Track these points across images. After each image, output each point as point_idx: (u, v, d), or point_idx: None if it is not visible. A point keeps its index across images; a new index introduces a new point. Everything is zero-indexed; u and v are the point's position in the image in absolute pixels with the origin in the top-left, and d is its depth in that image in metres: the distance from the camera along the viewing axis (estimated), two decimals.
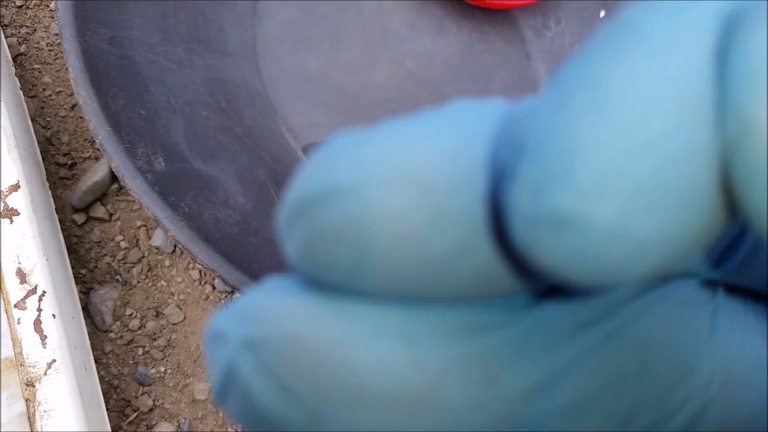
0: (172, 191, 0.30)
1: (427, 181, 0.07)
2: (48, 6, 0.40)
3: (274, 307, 0.08)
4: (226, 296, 0.34)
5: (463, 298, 0.08)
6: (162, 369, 0.33)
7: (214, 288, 0.34)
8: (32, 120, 0.38)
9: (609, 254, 0.06)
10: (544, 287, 0.08)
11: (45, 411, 0.28)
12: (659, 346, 0.08)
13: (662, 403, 0.08)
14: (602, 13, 0.41)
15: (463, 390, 0.07)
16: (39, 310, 0.30)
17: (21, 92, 0.37)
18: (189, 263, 0.35)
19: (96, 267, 0.35)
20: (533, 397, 0.08)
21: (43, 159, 0.37)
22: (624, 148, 0.06)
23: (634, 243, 0.06)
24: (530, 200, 0.06)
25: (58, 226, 0.34)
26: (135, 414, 0.32)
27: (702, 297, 0.09)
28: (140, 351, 0.33)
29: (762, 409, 0.09)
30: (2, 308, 0.29)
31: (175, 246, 0.35)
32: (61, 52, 0.40)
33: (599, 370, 0.08)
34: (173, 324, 0.34)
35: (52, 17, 0.40)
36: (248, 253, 0.30)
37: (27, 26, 0.40)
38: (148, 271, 0.35)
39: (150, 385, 0.33)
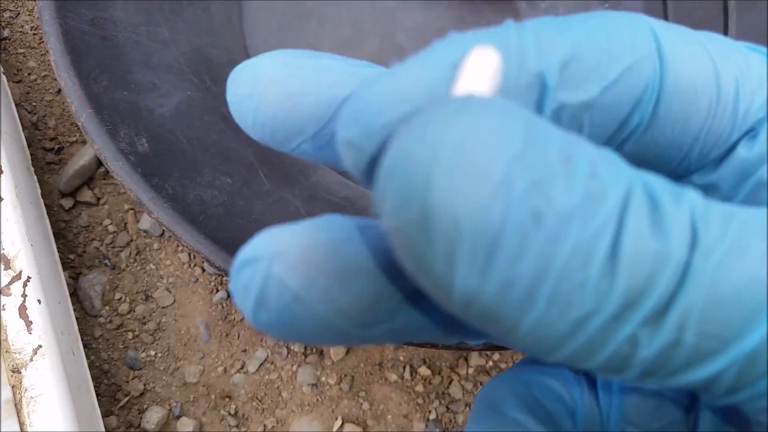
0: (155, 173, 0.30)
1: None
2: None
3: None
4: (215, 278, 0.34)
5: None
6: (152, 353, 0.33)
7: (203, 270, 0.34)
8: (18, 105, 0.38)
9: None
10: None
11: (32, 397, 0.28)
12: None
13: None
14: None
15: None
16: (24, 295, 0.29)
17: (4, 77, 0.37)
18: (177, 246, 0.34)
19: (84, 252, 0.34)
20: None
21: (30, 144, 0.37)
22: None
23: None
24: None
25: (44, 211, 0.33)
26: (126, 399, 0.32)
27: None
28: (130, 335, 0.33)
29: None
30: None
31: (163, 229, 0.34)
32: None
33: None
34: (163, 307, 0.33)
35: (35, 0, 0.39)
36: (234, 234, 0.30)
37: (10, 10, 0.39)
38: (136, 254, 0.34)
39: (140, 369, 0.32)
